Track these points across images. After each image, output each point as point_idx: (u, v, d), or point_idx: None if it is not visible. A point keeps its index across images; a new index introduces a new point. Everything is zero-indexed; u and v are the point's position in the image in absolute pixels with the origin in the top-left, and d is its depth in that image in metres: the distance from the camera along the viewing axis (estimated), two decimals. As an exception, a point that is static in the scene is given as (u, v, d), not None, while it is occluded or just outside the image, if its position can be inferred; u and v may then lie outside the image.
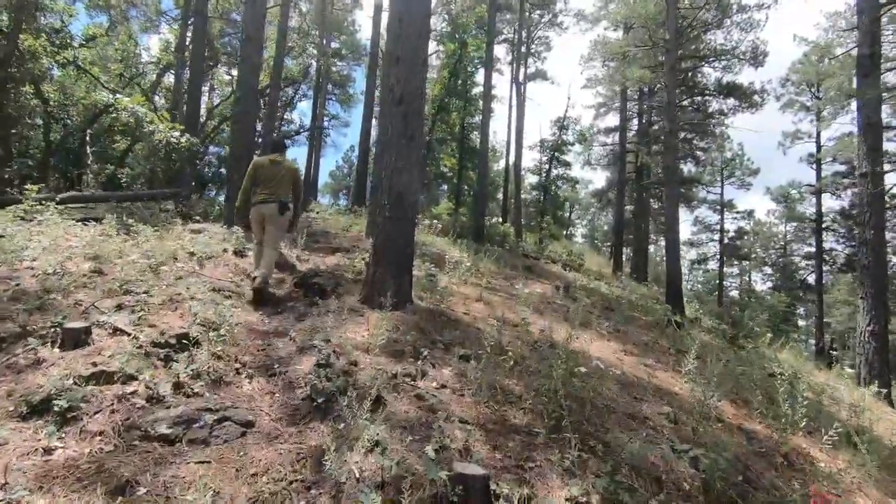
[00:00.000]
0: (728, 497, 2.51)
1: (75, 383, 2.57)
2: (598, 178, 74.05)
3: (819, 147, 24.60)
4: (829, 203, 27.06)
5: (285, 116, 26.36)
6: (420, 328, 4.23)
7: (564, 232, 32.62)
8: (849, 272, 25.10)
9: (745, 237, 34.52)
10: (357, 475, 2.21)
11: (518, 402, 3.23)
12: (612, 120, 25.85)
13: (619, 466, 2.55)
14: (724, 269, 33.96)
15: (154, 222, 6.89)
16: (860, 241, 9.61)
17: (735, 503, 2.48)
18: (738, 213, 32.88)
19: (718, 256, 32.52)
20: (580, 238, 47.19)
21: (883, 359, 8.58)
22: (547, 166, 23.90)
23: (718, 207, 31.71)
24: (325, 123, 29.28)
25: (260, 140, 14.64)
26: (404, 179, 4.87)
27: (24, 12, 10.62)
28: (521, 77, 22.52)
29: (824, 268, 25.62)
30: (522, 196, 22.83)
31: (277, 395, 2.97)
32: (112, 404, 2.49)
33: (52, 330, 3.06)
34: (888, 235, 13.70)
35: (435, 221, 11.59)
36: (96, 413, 2.41)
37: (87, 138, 13.37)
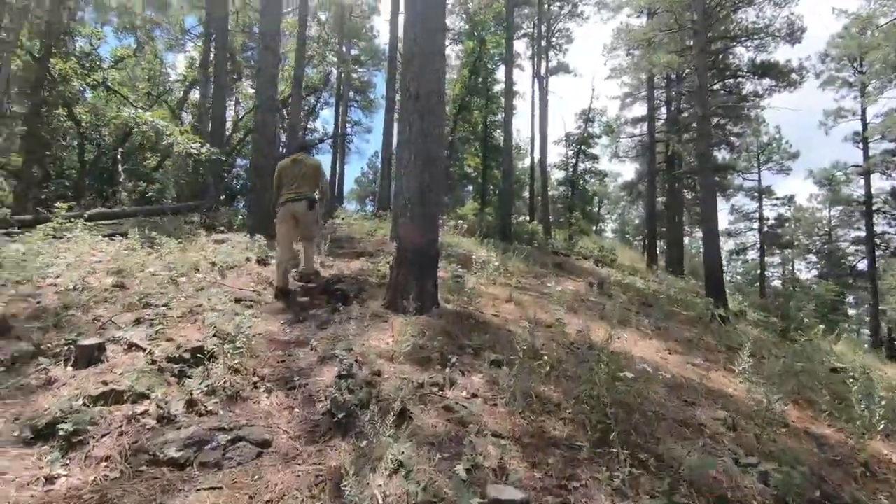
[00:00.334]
0: (807, 518, 2.17)
1: (84, 404, 2.44)
2: (627, 170, 72.47)
3: (865, 125, 23.21)
4: (879, 184, 25.39)
5: (308, 125, 26.61)
6: (447, 332, 3.99)
7: (594, 227, 31.90)
8: (904, 256, 23.61)
9: (787, 224, 32.97)
10: (380, 501, 1.98)
11: (557, 411, 2.94)
12: (640, 109, 25.05)
13: (677, 484, 2.25)
14: (766, 258, 32.49)
15: (178, 234, 6.89)
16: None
17: (817, 526, 2.14)
18: (777, 199, 31.43)
19: (758, 246, 31.12)
20: (610, 233, 46.20)
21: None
22: (573, 160, 23.35)
23: (756, 195, 30.37)
24: (348, 130, 29.45)
25: (282, 149, 14.73)
26: (425, 178, 4.65)
27: (54, 38, 10.92)
28: (542, 71, 22.07)
29: (876, 252, 24.11)
30: (549, 192, 22.36)
31: (297, 409, 2.78)
32: (121, 426, 2.35)
33: (66, 348, 2.96)
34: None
35: (460, 222, 11.35)
36: (104, 436, 2.27)
37: (119, 156, 13.69)
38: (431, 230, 4.71)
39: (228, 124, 19.95)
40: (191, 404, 2.57)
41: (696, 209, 27.16)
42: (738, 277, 37.73)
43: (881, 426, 3.14)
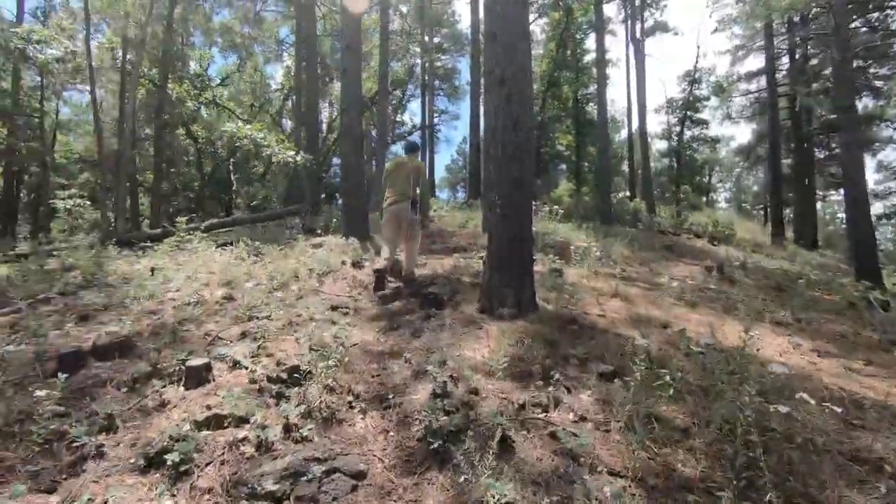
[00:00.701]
0: None
1: (191, 429, 2.50)
2: (742, 133, 65.21)
3: None
4: None
5: (396, 119, 27.13)
6: (548, 340, 3.66)
7: (704, 199, 29.06)
8: None
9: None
10: (482, 558, 1.75)
11: (685, 440, 2.50)
12: (755, 62, 22.20)
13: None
14: (926, 221, 27.31)
15: (280, 240, 7.23)
16: None
17: None
18: (940, 149, 26.15)
19: (916, 207, 26.20)
20: (723, 204, 41.91)
21: None
22: (678, 128, 21.25)
23: (911, 146, 25.50)
24: (435, 120, 29.57)
25: (374, 145, 15.05)
26: (514, 171, 4.30)
27: (169, 64, 12.04)
28: (638, 33, 20.26)
29: None
30: (651, 165, 20.62)
31: (392, 433, 2.64)
32: (223, 454, 2.36)
33: (178, 368, 3.10)
34: None
35: (555, 207, 10.76)
36: (207, 465, 2.29)
37: (231, 167, 14.92)
38: (525, 227, 4.37)
39: (323, 126, 20.96)
40: (287, 429, 2.54)
41: (831, 170, 23.55)
42: (890, 245, 32.24)
43: None
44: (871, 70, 19.30)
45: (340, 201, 7.73)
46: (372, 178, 17.74)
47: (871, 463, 2.41)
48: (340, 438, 2.56)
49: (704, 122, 21.17)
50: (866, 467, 2.38)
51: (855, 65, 17.86)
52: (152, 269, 5.68)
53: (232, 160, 16.00)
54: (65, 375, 2.72)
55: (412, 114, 53.17)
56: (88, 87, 17.38)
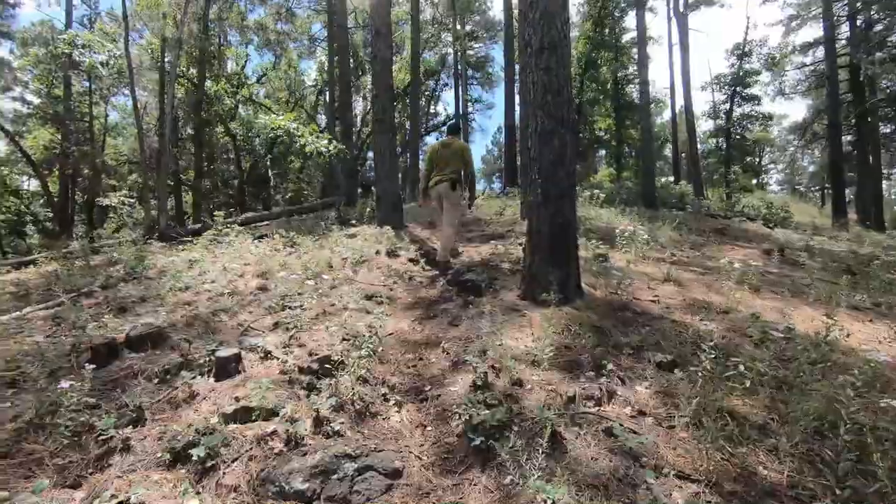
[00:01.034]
0: None
1: (218, 422, 2.37)
2: (795, 109, 61.40)
3: None
4: None
5: (430, 110, 26.92)
6: (597, 328, 3.36)
7: (754, 181, 27.52)
8: None
9: None
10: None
11: (763, 438, 2.18)
12: (811, 32, 20.82)
13: None
14: None
15: (315, 232, 7.16)
16: None
17: None
18: None
19: None
20: (774, 186, 39.66)
21: None
22: (727, 105, 20.05)
23: None
24: (469, 109, 29.16)
25: (408, 137, 14.89)
26: (555, 146, 4.00)
27: (206, 63, 12.22)
28: (681, 6, 19.20)
29: None
30: (697, 146, 19.56)
31: (429, 428, 2.43)
32: (251, 448, 2.21)
33: (208, 359, 2.99)
34: None
35: (596, 191, 10.29)
36: (234, 461, 2.15)
37: (268, 163, 15.12)
38: (568, 207, 4.06)
39: (358, 120, 20.99)
40: (318, 423, 2.37)
41: (899, 145, 21.77)
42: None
43: None
44: (946, 33, 17.60)
45: (375, 189, 7.57)
46: (407, 169, 17.63)
47: None
48: (374, 433, 2.37)
49: (755, 98, 19.86)
50: None
51: (927, 28, 16.34)
52: (190, 262, 5.69)
53: (269, 156, 16.21)
54: (92, 367, 2.65)
55: (445, 104, 52.87)
56: (140, 92, 18.04)
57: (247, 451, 2.21)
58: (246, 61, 17.34)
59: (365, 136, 20.66)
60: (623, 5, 18.59)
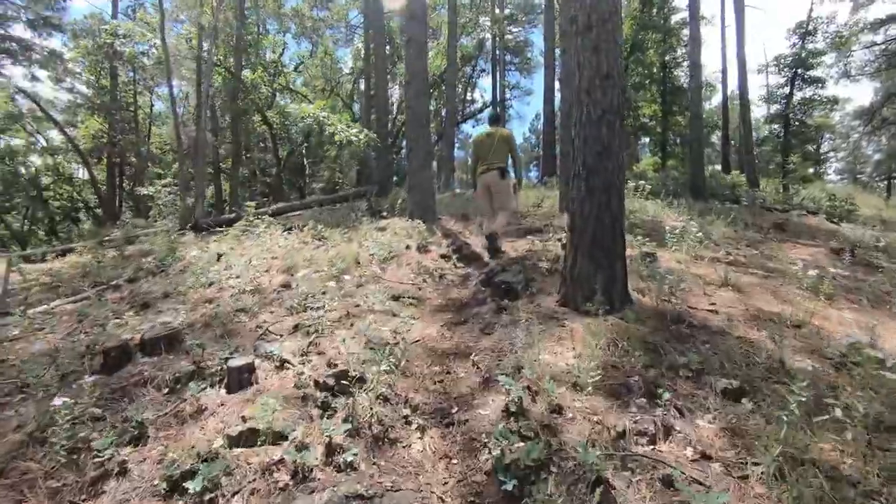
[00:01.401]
0: None
1: (223, 445, 2.15)
2: (861, 93, 56.90)
3: None
4: None
5: (466, 97, 26.37)
6: (648, 343, 2.96)
7: (811, 170, 25.69)
8: None
9: None
10: None
11: (864, 500, 1.77)
12: (884, 8, 18.83)
13: None
14: None
15: (345, 223, 6.96)
16: None
17: None
18: None
19: None
20: (833, 176, 37.08)
21: None
22: (786, 89, 18.62)
23: None
24: (507, 95, 28.42)
25: (443, 125, 14.53)
26: (603, 134, 3.58)
27: (243, 51, 12.20)
28: (737, -18, 17.84)
29: None
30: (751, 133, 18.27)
31: (455, 461, 2.13)
32: (254, 480, 1.97)
33: (221, 367, 2.79)
34: None
35: (641, 182, 9.67)
36: (235, 494, 1.91)
37: (304, 151, 15.10)
38: (614, 202, 3.63)
39: (394, 109, 20.76)
40: (330, 451, 2.11)
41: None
42: None
43: None
44: None
45: (407, 179, 7.30)
46: (441, 159, 17.27)
47: None
48: (392, 466, 2.09)
49: (819, 81, 18.31)
50: None
51: None
52: (218, 255, 5.58)
53: (306, 144, 16.21)
54: (95, 377, 2.48)
55: (482, 90, 51.87)
56: (177, 81, 18.40)
57: (249, 482, 1.97)
58: (283, 49, 17.34)
59: (400, 124, 20.39)
60: (673, -18, 17.49)
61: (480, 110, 27.40)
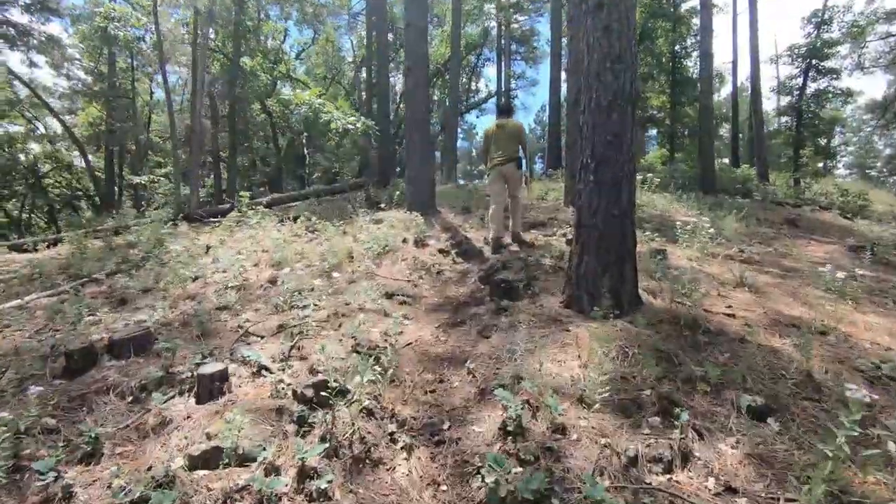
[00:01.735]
0: None
1: (183, 466, 1.90)
2: (874, 85, 55.99)
3: None
4: None
5: (471, 87, 25.93)
6: (661, 352, 2.69)
7: (820, 165, 25.18)
8: None
9: None
10: None
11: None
12: (900, -2, 18.24)
13: None
14: None
15: (341, 215, 6.69)
16: None
17: None
18: None
19: None
20: (842, 170, 36.46)
21: None
22: (800, 80, 18.10)
23: None
24: (512, 85, 27.93)
25: (445, 113, 14.19)
26: (615, 122, 3.29)
27: (241, 37, 11.87)
28: (750, -30, 17.30)
29: None
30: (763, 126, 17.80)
31: (444, 487, 1.89)
32: (214, 512, 1.73)
33: (192, 374, 2.55)
34: None
35: (649, 175, 9.34)
36: (189, 529, 1.67)
37: (304, 141, 14.80)
38: (624, 196, 3.35)
39: (397, 98, 20.38)
40: (302, 476, 1.86)
41: None
42: None
43: None
44: None
45: (406, 170, 7.02)
46: (444, 149, 16.93)
47: None
48: (371, 494, 1.84)
49: (834, 72, 17.77)
50: None
51: None
52: (207, 247, 5.34)
53: (306, 133, 15.91)
54: (57, 381, 2.24)
55: (487, 80, 51.12)
56: (175, 68, 18.08)
57: (208, 514, 1.72)
58: (285, 36, 16.97)
59: (403, 113, 20.07)
60: (684, -31, 16.98)
61: (485, 100, 26.97)
